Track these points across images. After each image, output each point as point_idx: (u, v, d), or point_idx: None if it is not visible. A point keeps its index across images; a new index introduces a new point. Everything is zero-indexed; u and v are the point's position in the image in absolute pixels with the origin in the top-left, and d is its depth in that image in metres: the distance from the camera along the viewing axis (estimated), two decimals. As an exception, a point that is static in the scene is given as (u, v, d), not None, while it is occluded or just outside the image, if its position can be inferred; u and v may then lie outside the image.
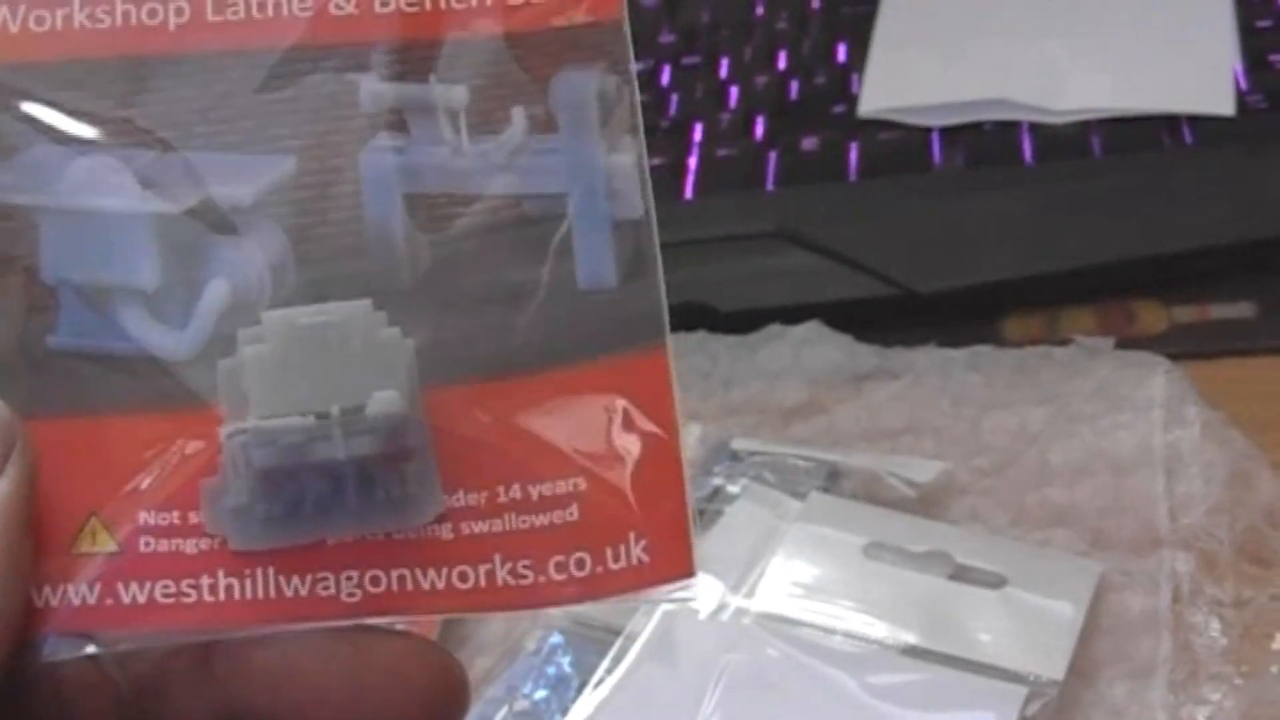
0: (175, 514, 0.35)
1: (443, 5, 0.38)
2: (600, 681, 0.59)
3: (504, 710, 0.60)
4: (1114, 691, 0.58)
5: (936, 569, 0.61)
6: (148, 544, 0.35)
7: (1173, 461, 0.64)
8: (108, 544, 0.35)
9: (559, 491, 0.35)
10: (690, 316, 0.75)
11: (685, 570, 0.36)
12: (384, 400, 0.34)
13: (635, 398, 0.36)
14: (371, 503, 0.35)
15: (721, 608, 0.61)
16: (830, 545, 0.63)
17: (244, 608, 0.34)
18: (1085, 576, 0.60)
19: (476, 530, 0.35)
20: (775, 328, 0.75)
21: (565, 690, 0.60)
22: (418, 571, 0.35)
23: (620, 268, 0.38)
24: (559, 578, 0.35)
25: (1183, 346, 0.71)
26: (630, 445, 0.36)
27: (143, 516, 0.35)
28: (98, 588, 0.34)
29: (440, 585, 0.35)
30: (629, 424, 0.36)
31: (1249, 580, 0.60)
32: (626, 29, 0.39)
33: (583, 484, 0.35)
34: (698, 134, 0.85)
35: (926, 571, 0.61)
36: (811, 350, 0.73)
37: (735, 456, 0.68)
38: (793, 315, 0.75)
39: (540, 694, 0.60)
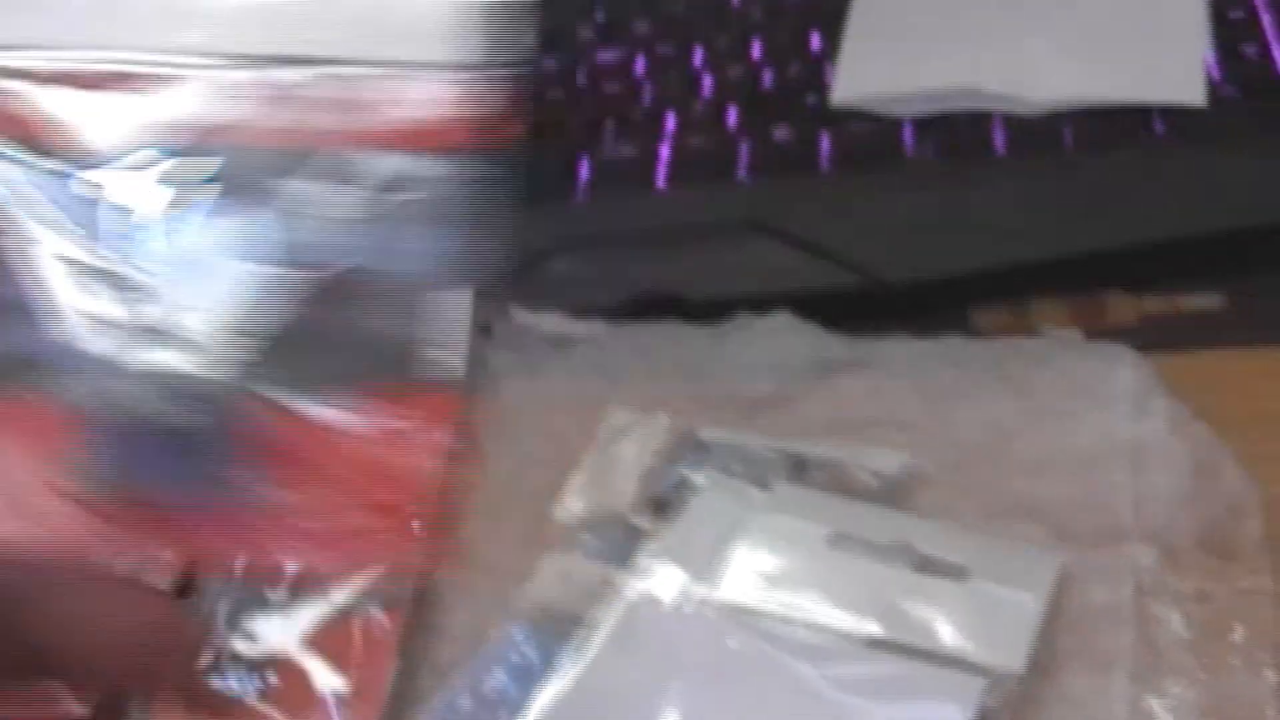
0: None
1: None
2: (562, 672, 0.59)
3: (466, 698, 0.60)
4: (1075, 684, 0.58)
5: (900, 560, 0.61)
6: None
7: (1138, 454, 0.63)
8: None
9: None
10: (660, 305, 0.76)
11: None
12: None
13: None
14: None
15: (684, 598, 0.60)
16: (794, 535, 0.62)
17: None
18: (1046, 567, 0.60)
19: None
20: (744, 318, 0.74)
21: (528, 679, 0.60)
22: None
23: None
24: None
25: (1153, 338, 0.70)
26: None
27: None
28: None
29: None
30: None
31: (1211, 574, 0.60)
32: None
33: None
34: (670, 123, 0.85)
35: (890, 563, 0.61)
36: (780, 341, 0.73)
37: (702, 447, 0.67)
38: (762, 305, 0.75)
39: (503, 683, 0.60)
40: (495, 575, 0.66)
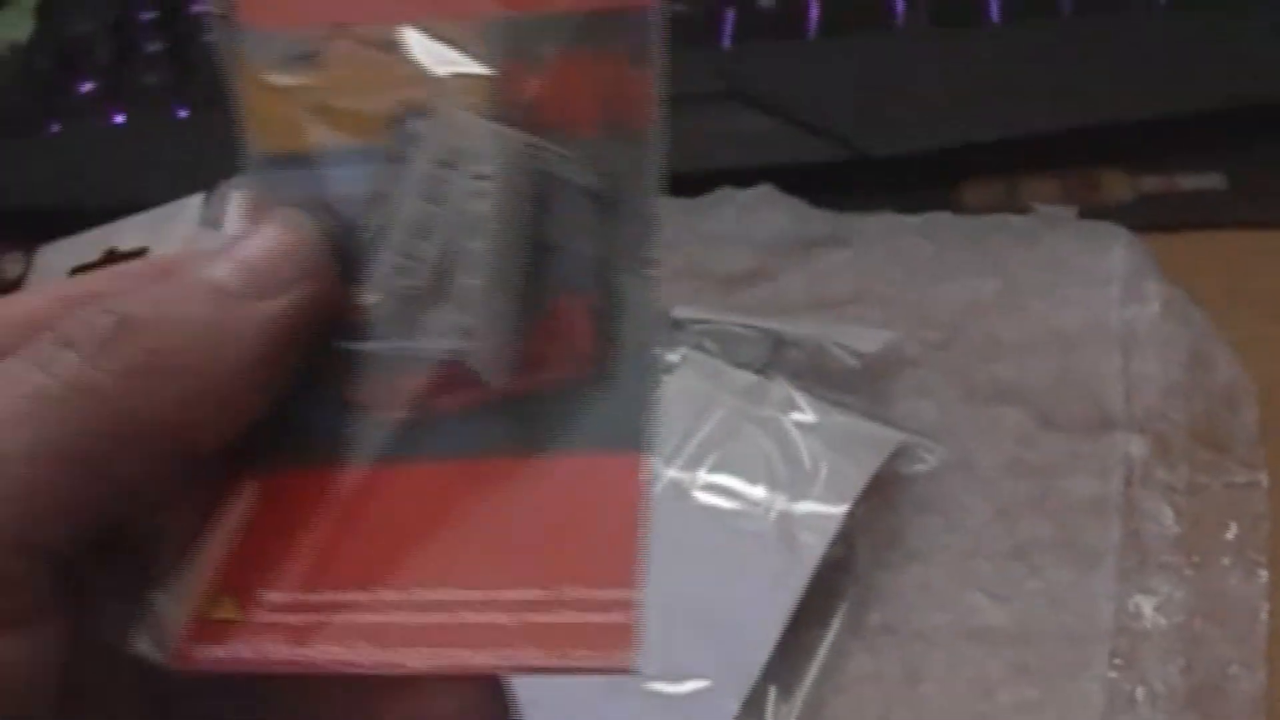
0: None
1: None
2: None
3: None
4: (1059, 578, 0.56)
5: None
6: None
7: (1129, 339, 0.61)
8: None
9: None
10: (637, 177, 0.73)
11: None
12: None
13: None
14: None
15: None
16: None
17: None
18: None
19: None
20: (724, 190, 0.72)
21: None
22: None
23: None
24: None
25: (1148, 218, 0.68)
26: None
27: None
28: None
29: None
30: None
31: (1204, 467, 0.58)
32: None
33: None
34: (653, -14, 0.81)
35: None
36: (760, 215, 0.70)
37: (676, 324, 0.65)
38: (744, 178, 0.72)
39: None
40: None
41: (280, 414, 0.36)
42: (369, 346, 0.36)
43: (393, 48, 0.37)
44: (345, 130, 0.37)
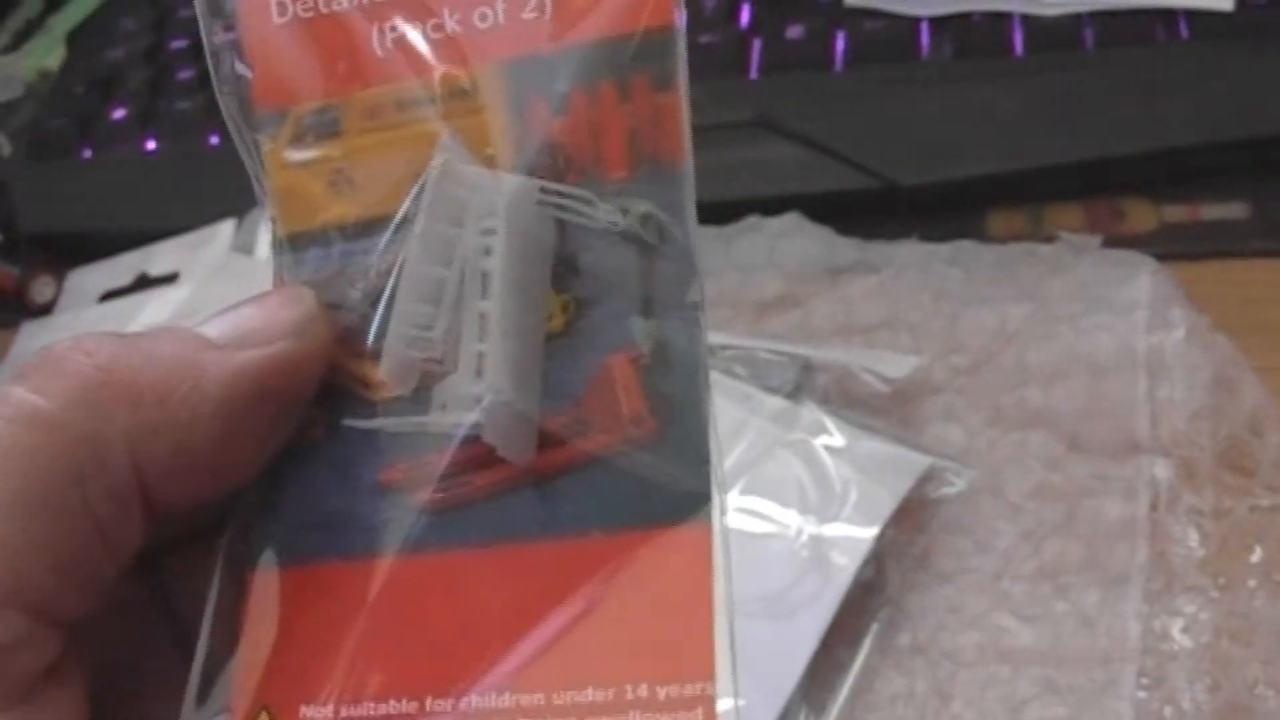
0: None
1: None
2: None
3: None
4: (1086, 599, 0.56)
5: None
6: None
7: (1155, 365, 0.62)
8: None
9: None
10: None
11: None
12: None
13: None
14: None
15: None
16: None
17: None
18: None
19: None
20: (753, 219, 0.73)
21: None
22: None
23: None
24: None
25: (1172, 246, 0.69)
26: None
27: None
28: None
29: None
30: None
31: (1229, 490, 0.58)
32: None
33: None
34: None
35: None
36: (789, 243, 0.71)
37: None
38: (772, 207, 0.73)
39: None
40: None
41: (300, 501, 0.34)
42: (383, 424, 0.34)
43: (406, 107, 0.35)
44: (367, 198, 0.35)
